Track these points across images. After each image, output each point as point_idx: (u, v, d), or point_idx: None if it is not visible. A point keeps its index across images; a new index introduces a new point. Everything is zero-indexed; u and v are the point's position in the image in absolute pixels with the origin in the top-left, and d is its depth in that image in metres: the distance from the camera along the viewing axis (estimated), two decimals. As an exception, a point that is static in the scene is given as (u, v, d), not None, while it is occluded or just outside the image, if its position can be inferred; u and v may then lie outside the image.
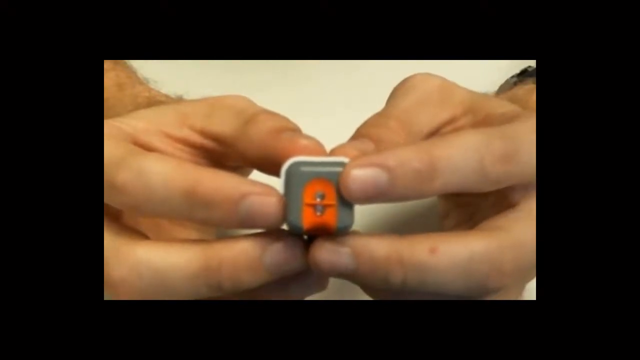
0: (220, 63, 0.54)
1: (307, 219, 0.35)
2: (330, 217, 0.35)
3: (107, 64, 0.49)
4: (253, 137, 0.37)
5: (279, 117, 0.38)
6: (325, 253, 0.35)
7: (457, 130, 0.40)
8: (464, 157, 0.35)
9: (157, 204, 0.35)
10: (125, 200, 0.36)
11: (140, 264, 0.36)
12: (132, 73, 0.51)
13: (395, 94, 0.42)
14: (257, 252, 0.35)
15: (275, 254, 0.35)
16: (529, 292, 0.40)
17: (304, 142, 0.36)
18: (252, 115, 0.38)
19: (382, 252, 0.35)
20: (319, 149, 0.36)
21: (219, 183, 0.35)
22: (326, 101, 0.54)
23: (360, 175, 0.35)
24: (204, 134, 0.40)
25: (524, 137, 0.37)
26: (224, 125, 0.39)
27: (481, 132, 0.36)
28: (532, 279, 0.38)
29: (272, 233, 0.36)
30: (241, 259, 0.35)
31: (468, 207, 0.42)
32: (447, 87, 0.41)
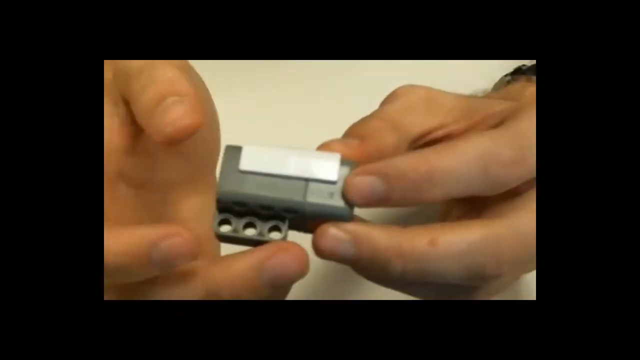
0: (218, 63, 0.53)
1: None
2: None
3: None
4: (136, 108, 0.37)
5: (163, 83, 0.36)
6: (327, 241, 0.36)
7: (449, 134, 0.40)
8: (467, 166, 0.36)
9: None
10: None
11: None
12: None
13: (382, 104, 0.42)
14: (253, 273, 0.35)
15: (272, 271, 0.35)
16: (529, 292, 0.40)
17: (168, 130, 0.35)
18: (136, 79, 0.37)
19: (383, 243, 0.36)
20: (189, 127, 0.35)
21: (122, 245, 0.34)
22: (323, 101, 0.53)
23: (359, 182, 0.36)
24: (123, 101, 0.39)
25: (531, 135, 0.37)
26: (122, 88, 0.38)
27: (485, 137, 0.37)
28: (532, 269, 0.38)
29: (269, 247, 0.36)
30: (239, 282, 0.35)
31: (473, 202, 0.42)
32: (432, 96, 0.41)
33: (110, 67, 0.40)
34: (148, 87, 0.36)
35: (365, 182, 0.36)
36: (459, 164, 0.36)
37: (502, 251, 0.36)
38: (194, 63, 0.51)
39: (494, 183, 0.36)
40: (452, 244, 0.36)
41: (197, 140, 0.39)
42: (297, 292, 0.46)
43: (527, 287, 0.40)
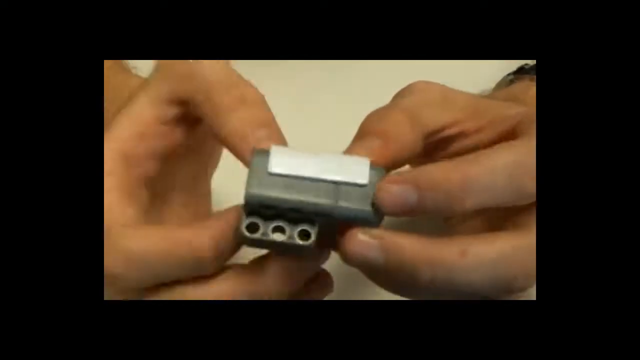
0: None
1: None
2: None
3: None
4: (224, 127, 0.38)
5: (254, 107, 0.38)
6: (356, 245, 0.36)
7: (462, 132, 0.41)
8: (500, 176, 0.36)
9: (150, 279, 0.37)
10: (119, 287, 0.37)
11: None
12: (117, 62, 0.50)
13: (397, 97, 0.42)
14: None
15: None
16: (529, 292, 0.40)
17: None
18: (224, 93, 0.38)
19: (411, 250, 0.36)
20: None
21: (204, 241, 0.36)
22: (323, 101, 0.54)
23: (391, 189, 0.36)
24: (172, 102, 0.39)
25: None
26: (188, 92, 0.39)
27: (516, 148, 0.37)
28: None
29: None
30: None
31: (490, 212, 0.41)
32: (447, 92, 0.41)
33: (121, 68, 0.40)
34: (240, 109, 0.38)
35: (398, 190, 0.36)
36: (491, 174, 0.36)
37: (530, 261, 0.36)
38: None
39: (523, 194, 0.37)
40: (482, 254, 0.36)
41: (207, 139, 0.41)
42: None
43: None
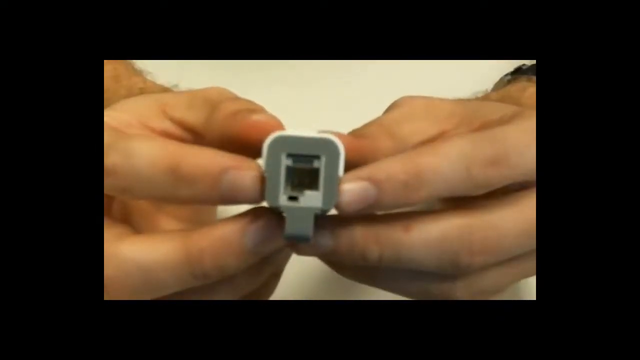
0: (218, 62, 0.53)
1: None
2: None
3: None
4: (215, 124, 0.38)
5: (241, 102, 0.38)
6: None
7: None
8: (450, 165, 0.36)
9: (144, 184, 0.36)
10: (115, 183, 0.36)
11: (125, 262, 0.36)
12: (129, 64, 0.51)
13: (382, 114, 0.42)
14: (236, 235, 0.35)
15: (255, 235, 0.36)
16: (529, 292, 0.40)
17: (255, 117, 0.36)
18: (217, 103, 0.38)
19: (359, 230, 0.36)
20: (272, 123, 0.36)
21: (201, 158, 0.35)
22: (323, 101, 0.53)
23: (350, 189, 0.35)
24: (182, 125, 0.40)
25: (513, 139, 0.37)
26: (198, 118, 0.39)
27: (467, 138, 0.37)
28: (516, 270, 0.38)
29: (251, 213, 0.36)
30: (222, 245, 0.36)
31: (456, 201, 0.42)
32: (432, 104, 0.41)
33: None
34: (234, 103, 0.38)
35: (356, 187, 0.35)
36: (444, 163, 0.36)
37: (475, 241, 0.36)
38: (194, 63, 0.52)
39: (476, 183, 0.36)
40: (426, 229, 0.36)
41: None
42: (294, 293, 0.47)
43: (527, 287, 0.40)
